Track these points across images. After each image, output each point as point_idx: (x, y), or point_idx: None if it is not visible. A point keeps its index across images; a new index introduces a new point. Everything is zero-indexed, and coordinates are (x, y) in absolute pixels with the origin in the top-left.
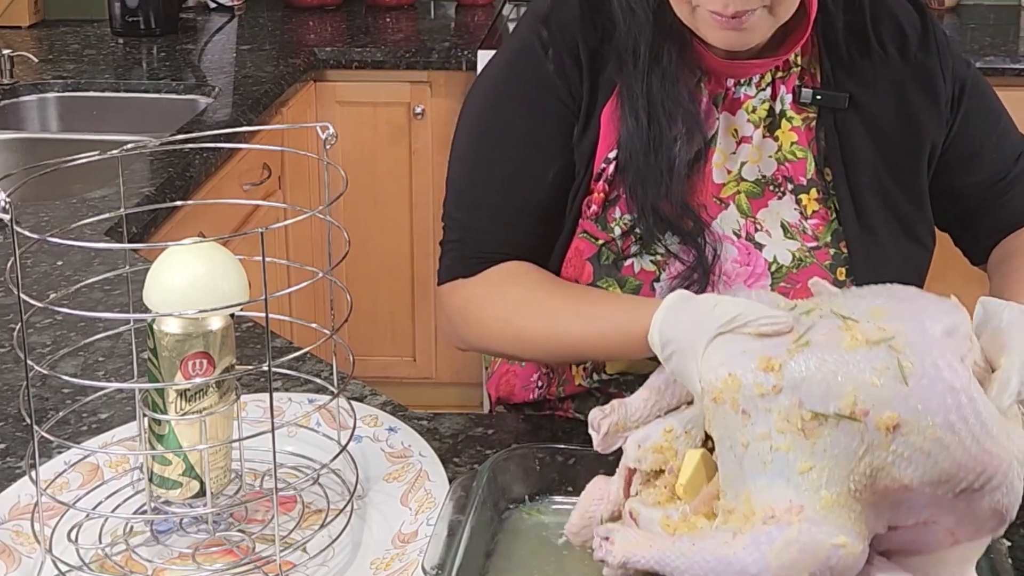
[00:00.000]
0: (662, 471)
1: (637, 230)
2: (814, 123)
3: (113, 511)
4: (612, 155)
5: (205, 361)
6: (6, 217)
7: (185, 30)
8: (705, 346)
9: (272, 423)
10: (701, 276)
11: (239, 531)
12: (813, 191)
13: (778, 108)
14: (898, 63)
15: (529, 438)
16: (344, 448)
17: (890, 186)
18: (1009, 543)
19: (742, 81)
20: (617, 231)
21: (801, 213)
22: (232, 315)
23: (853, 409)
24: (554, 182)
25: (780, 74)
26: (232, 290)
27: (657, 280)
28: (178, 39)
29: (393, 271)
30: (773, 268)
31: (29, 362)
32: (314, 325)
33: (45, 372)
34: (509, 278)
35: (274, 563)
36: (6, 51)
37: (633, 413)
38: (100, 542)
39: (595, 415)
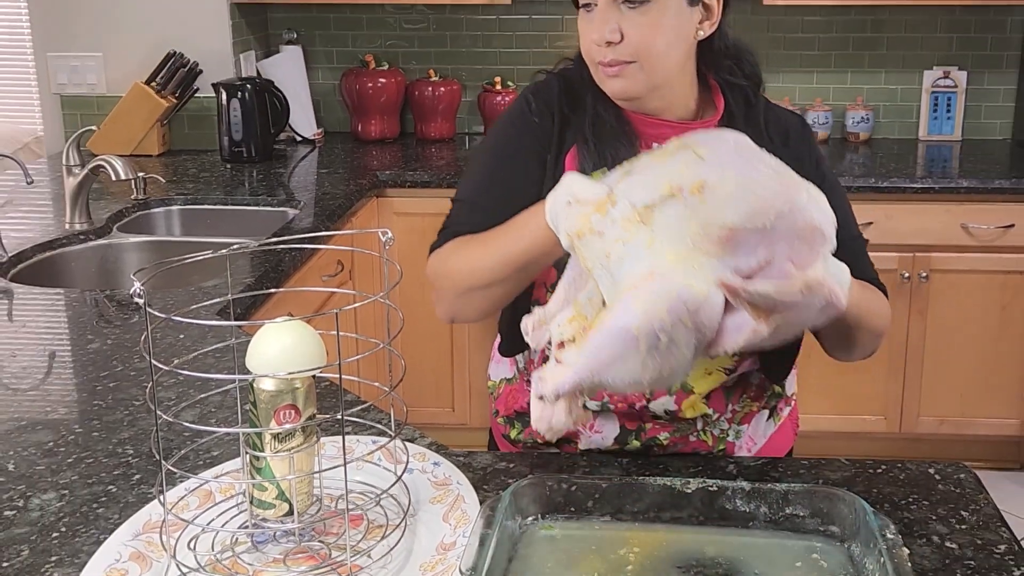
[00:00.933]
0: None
1: None
2: None
3: (223, 527)
4: None
5: (293, 411)
6: (141, 301)
7: (278, 158)
8: (564, 212)
9: (344, 458)
10: None
11: (319, 542)
12: None
13: None
14: (780, 148)
15: (541, 471)
16: (399, 478)
17: None
18: (908, 551)
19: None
20: None
21: None
22: (313, 376)
23: (670, 190)
24: (524, 192)
25: None
26: (314, 357)
27: None
28: (272, 165)
29: (436, 341)
30: None
31: (158, 412)
32: (376, 384)
33: (171, 420)
34: (467, 238)
35: (346, 566)
36: (140, 174)
37: (550, 310)
38: (212, 550)
39: (524, 321)
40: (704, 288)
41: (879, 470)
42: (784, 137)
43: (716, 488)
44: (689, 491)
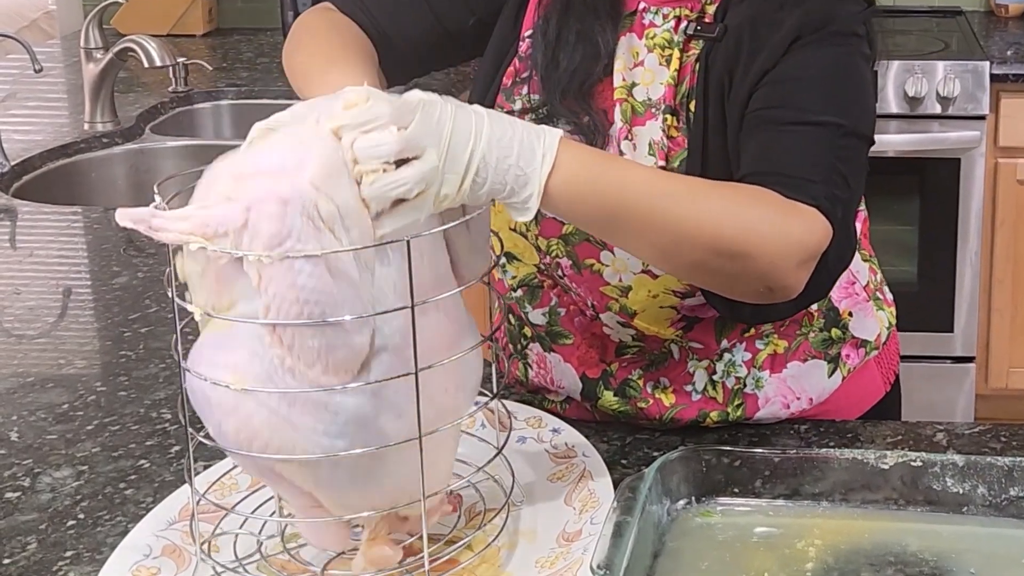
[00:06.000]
0: None
1: (543, 110)
2: (695, 57)
3: (272, 514)
4: (528, 34)
5: None
6: None
7: None
8: None
9: (419, 430)
10: None
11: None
12: (676, 119)
13: (676, 39)
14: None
15: (695, 440)
16: (500, 451)
17: (733, 125)
18: None
19: (652, 9)
20: (518, 105)
21: (664, 132)
22: None
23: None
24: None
25: (687, 13)
26: None
27: None
28: None
29: None
30: None
31: (185, 366)
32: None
33: (200, 377)
34: (336, 23)
35: (439, 560)
36: (181, 59)
37: None
38: (259, 544)
39: None
40: None
41: None
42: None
43: (921, 463)
44: (886, 466)
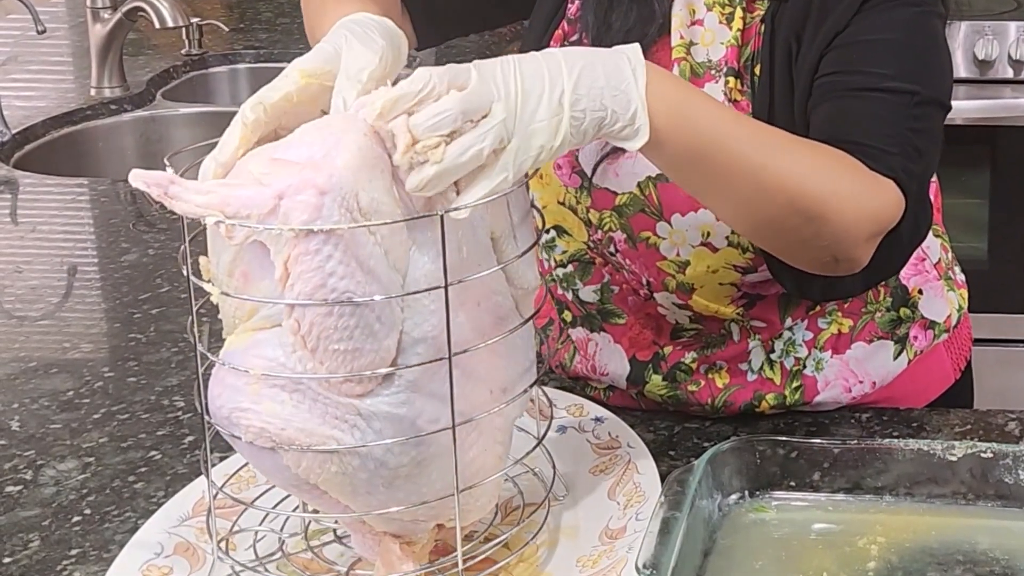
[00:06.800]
0: None
1: None
2: (760, 18)
3: (295, 509)
4: None
5: None
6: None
7: None
8: None
9: (453, 417)
10: None
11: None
12: (740, 82)
13: None
14: None
15: (748, 429)
16: (540, 442)
17: (801, 91)
18: None
19: None
20: None
21: (727, 96)
22: None
23: None
24: None
25: None
26: None
27: None
28: None
29: None
30: None
31: (201, 349)
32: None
33: (217, 361)
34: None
35: (474, 559)
36: (195, 19)
37: None
38: (281, 542)
39: None
40: None
41: None
42: None
43: (991, 454)
44: (954, 458)
